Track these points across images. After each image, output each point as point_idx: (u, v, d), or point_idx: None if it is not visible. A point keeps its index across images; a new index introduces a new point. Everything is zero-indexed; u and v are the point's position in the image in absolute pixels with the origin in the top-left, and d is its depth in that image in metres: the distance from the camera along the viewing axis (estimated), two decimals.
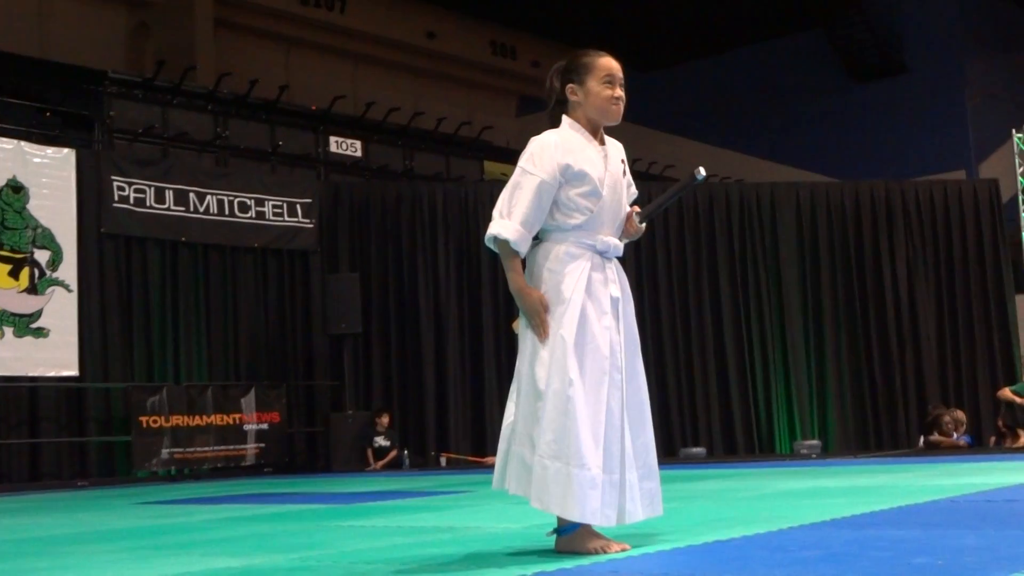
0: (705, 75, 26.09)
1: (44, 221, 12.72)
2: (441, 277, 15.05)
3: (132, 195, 13.57)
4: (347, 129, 17.30)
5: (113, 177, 13.44)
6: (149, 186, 13.73)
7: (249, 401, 13.65)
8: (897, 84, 23.44)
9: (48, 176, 12.83)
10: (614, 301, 3.87)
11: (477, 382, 14.76)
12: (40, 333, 12.49)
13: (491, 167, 18.82)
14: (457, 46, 25.43)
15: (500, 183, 17.49)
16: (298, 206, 14.93)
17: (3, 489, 11.66)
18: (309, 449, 14.88)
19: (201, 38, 20.66)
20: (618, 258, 4.00)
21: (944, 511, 4.89)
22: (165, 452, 12.82)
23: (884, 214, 15.85)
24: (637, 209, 4.10)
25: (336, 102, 17.48)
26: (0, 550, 5.34)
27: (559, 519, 3.79)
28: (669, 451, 14.87)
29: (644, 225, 4.11)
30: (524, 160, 3.87)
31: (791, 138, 24.31)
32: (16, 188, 12.53)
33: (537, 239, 3.88)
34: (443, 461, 14.13)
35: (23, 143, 12.82)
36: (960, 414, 13.57)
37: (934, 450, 12.64)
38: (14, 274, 12.41)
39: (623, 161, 4.03)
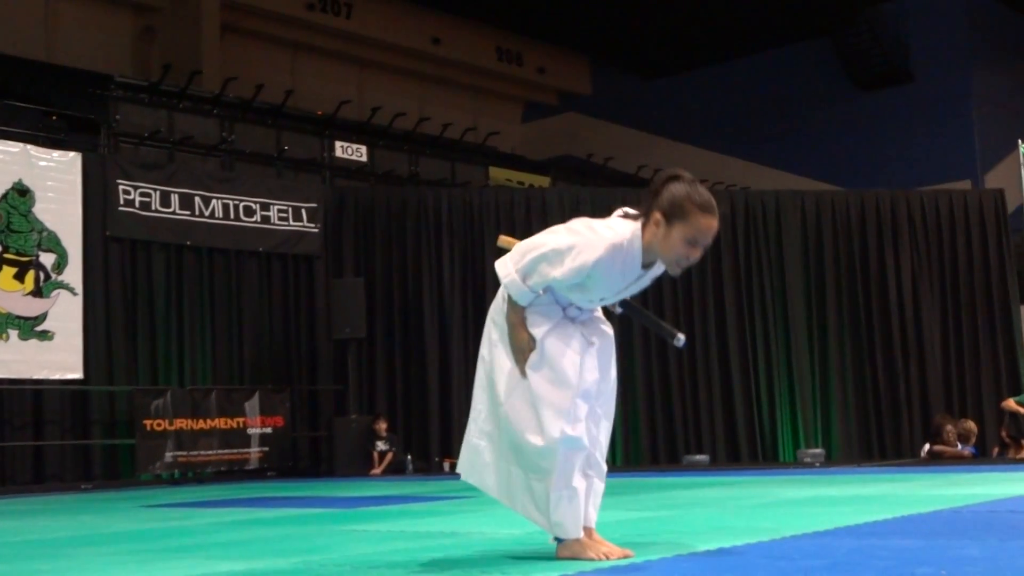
0: (711, 83, 26.09)
1: (50, 224, 12.74)
2: (445, 282, 15.07)
3: (137, 199, 13.59)
4: (352, 134, 17.33)
5: (119, 181, 13.46)
6: (155, 190, 13.75)
7: (253, 405, 13.66)
8: (903, 93, 23.44)
9: (54, 179, 12.85)
10: (587, 343, 3.87)
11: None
12: (45, 336, 12.51)
13: (496, 173, 18.83)
14: (463, 52, 25.45)
15: (505, 189, 17.58)
16: (303, 211, 14.95)
17: (7, 491, 11.67)
18: (312, 453, 14.89)
19: (207, 43, 20.69)
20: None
21: (947, 521, 4.88)
22: (169, 455, 12.82)
23: (889, 223, 15.84)
24: (626, 300, 4.03)
25: (342, 107, 17.50)
26: (3, 552, 5.35)
27: None
28: (672, 458, 14.88)
29: (618, 310, 4.05)
30: (568, 242, 3.70)
31: (797, 146, 24.31)
32: (22, 191, 12.56)
33: None
34: (446, 466, 14.13)
35: (29, 146, 12.85)
36: (970, 424, 13.53)
37: (937, 460, 12.62)
38: (19, 277, 12.43)
39: (653, 278, 3.91)
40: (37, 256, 12.60)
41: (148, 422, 12.72)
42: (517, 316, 3.82)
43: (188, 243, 14.01)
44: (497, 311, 3.97)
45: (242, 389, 13.88)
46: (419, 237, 15.23)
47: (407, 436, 14.62)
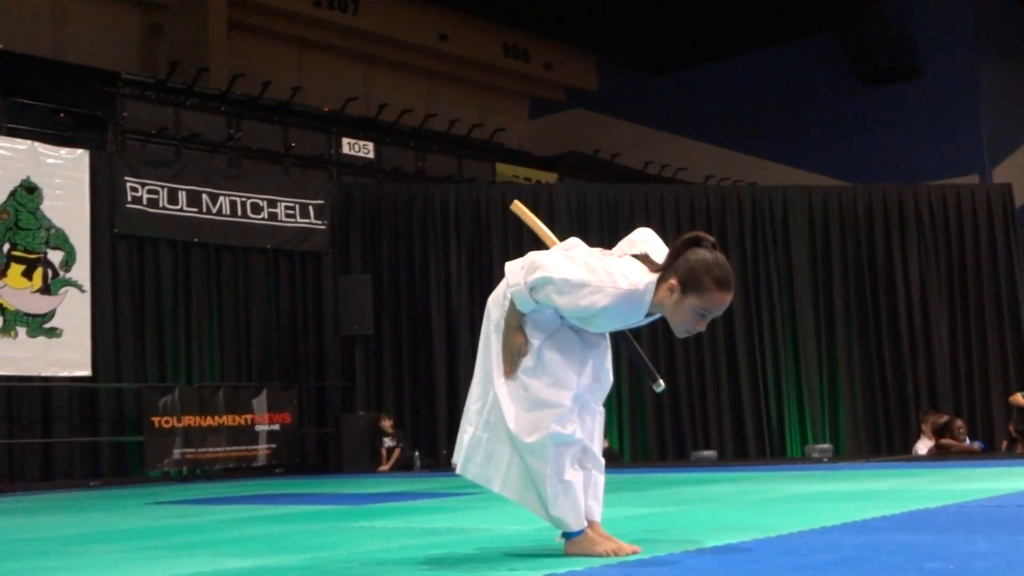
0: (717, 78, 26.06)
1: (57, 221, 12.76)
2: (453, 279, 15.08)
3: (145, 196, 13.61)
4: (359, 131, 17.33)
5: (126, 178, 13.48)
6: (162, 187, 13.77)
7: (261, 402, 13.68)
8: (910, 88, 23.39)
9: (62, 177, 12.87)
10: (582, 347, 3.86)
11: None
12: (53, 333, 12.53)
13: (503, 169, 18.82)
14: (469, 48, 25.44)
15: (512, 185, 17.57)
16: (310, 207, 14.96)
17: (16, 488, 11.70)
18: (320, 450, 14.91)
19: (214, 40, 20.70)
20: None
21: (956, 516, 4.87)
22: (177, 452, 12.84)
23: (897, 218, 15.83)
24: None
25: (348, 104, 17.51)
26: (12, 549, 5.36)
27: None
28: (680, 454, 14.88)
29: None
30: (583, 278, 3.62)
31: (803, 142, 24.28)
32: (30, 189, 12.58)
33: None
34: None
35: (37, 144, 12.87)
36: (945, 420, 13.50)
37: (945, 454, 12.60)
38: (28, 274, 12.45)
39: (652, 319, 3.86)
40: (45, 253, 12.63)
41: (156, 419, 12.75)
42: (516, 320, 3.80)
43: (196, 240, 14.03)
44: (496, 303, 3.95)
45: (250, 386, 13.90)
46: (426, 233, 15.23)
47: (415, 432, 14.64)
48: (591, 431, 3.88)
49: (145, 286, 13.66)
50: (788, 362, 15.45)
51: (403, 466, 13.87)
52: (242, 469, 13.42)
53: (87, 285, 12.91)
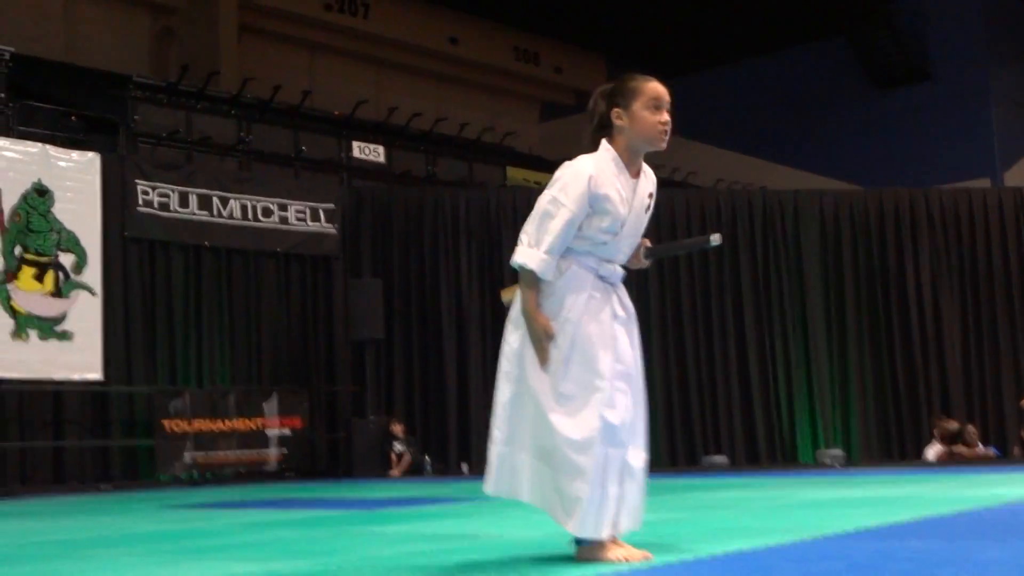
0: (728, 82, 26.03)
1: (69, 225, 12.78)
2: (463, 283, 15.07)
3: (156, 199, 13.63)
4: (370, 134, 17.34)
5: (137, 181, 13.50)
6: (173, 190, 13.79)
7: (272, 406, 13.68)
8: (921, 91, 23.35)
9: (73, 180, 12.89)
10: (617, 319, 3.89)
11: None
12: (65, 336, 12.55)
13: (514, 173, 18.82)
14: (480, 52, 25.46)
15: (523, 189, 17.56)
16: (321, 211, 14.97)
17: (27, 491, 11.71)
18: (331, 454, 14.90)
19: (225, 43, 20.74)
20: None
21: (969, 523, 4.86)
22: (188, 456, 12.85)
23: (908, 222, 15.78)
24: (648, 244, 4.13)
25: (359, 107, 17.53)
26: (23, 553, 5.37)
27: None
28: (691, 459, 14.85)
29: (649, 262, 4.13)
30: (556, 188, 3.81)
31: (814, 145, 24.24)
32: (41, 191, 12.60)
33: None
34: (464, 468, 14.14)
35: (48, 147, 12.89)
36: (953, 425, 13.47)
37: (958, 460, 12.57)
38: (39, 277, 12.47)
39: (651, 195, 4.02)
40: (56, 256, 12.65)
41: (167, 423, 12.76)
42: (532, 304, 3.77)
43: (206, 243, 14.04)
44: (515, 325, 3.91)
45: (261, 390, 13.90)
46: (437, 238, 15.23)
47: (425, 437, 14.62)
48: (632, 426, 3.83)
49: (156, 289, 13.67)
50: (799, 367, 15.41)
51: (414, 471, 13.87)
52: (253, 473, 13.42)
53: (98, 288, 12.93)
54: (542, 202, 3.81)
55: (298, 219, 14.79)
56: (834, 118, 24.29)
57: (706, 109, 25.91)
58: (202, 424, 13.00)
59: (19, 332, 12.21)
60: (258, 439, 13.51)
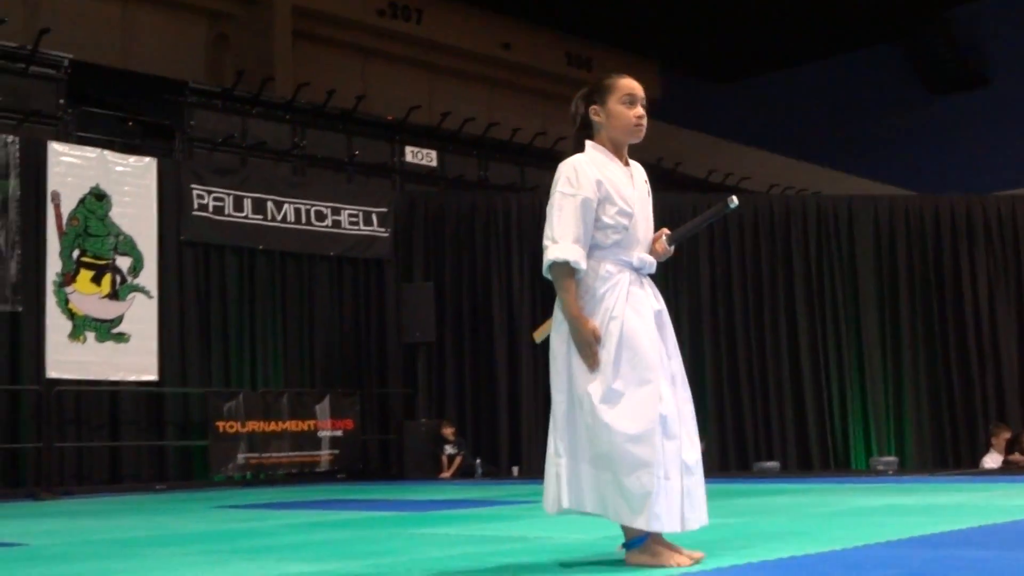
0: (782, 87, 25.90)
1: (126, 228, 12.95)
2: (515, 287, 15.09)
3: (211, 203, 13.77)
4: (423, 139, 17.41)
5: (193, 185, 13.65)
6: (228, 194, 13.92)
7: (324, 408, 13.77)
8: (978, 97, 23.12)
9: (130, 184, 13.06)
10: (656, 313, 3.93)
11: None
12: (121, 338, 12.70)
13: None
14: (532, 57, 25.48)
15: None
16: (374, 215, 15.05)
17: (85, 490, 11.87)
18: (382, 456, 14.98)
19: (280, 49, 20.91)
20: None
21: None
22: (241, 457, 12.96)
23: (964, 229, 15.60)
24: (667, 231, 4.19)
25: (412, 112, 17.60)
26: (83, 551, 5.45)
27: (626, 531, 3.80)
28: (743, 465, 14.77)
29: (673, 248, 4.19)
30: (560, 184, 3.96)
31: (869, 151, 24.05)
32: (99, 196, 12.77)
33: None
34: (515, 471, 14.15)
35: (106, 152, 13.06)
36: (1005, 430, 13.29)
37: (1015, 469, 12.40)
38: (96, 280, 12.64)
39: (646, 182, 4.18)
40: (114, 260, 12.81)
41: (221, 424, 12.88)
42: (573, 306, 3.81)
43: (260, 247, 14.17)
44: (558, 322, 3.93)
45: (313, 392, 14.00)
46: (488, 242, 15.26)
47: (476, 440, 14.65)
48: (680, 410, 3.84)
49: (211, 292, 13.81)
50: (853, 372, 15.28)
51: (464, 473, 13.90)
52: (304, 475, 13.52)
53: (154, 291, 13.08)
54: (552, 202, 3.95)
55: (351, 223, 14.89)
56: (889, 123, 24.10)
57: (760, 114, 25.82)
58: (255, 425, 13.11)
59: (77, 334, 12.38)
60: (310, 441, 13.61)
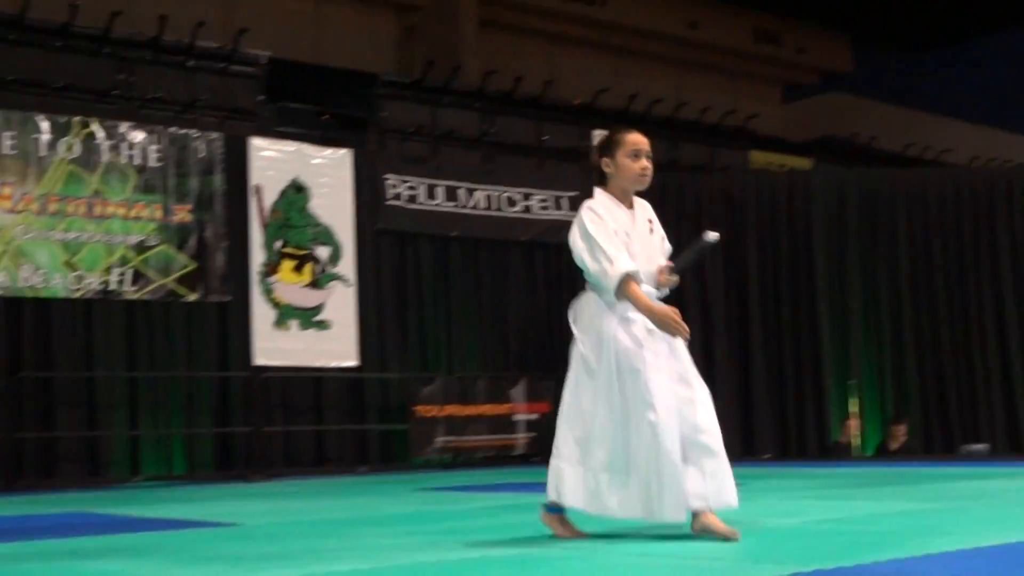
0: (980, 55, 24.92)
1: (324, 219, 13.33)
2: (707, 270, 14.92)
3: (405, 192, 14.05)
4: (611, 122, 17.26)
5: (386, 176, 13.95)
6: (421, 183, 14.18)
7: (519, 392, 13.91)
8: None
9: (326, 176, 13.44)
10: (652, 335, 4.39)
11: (743, 376, 14.60)
12: (323, 326, 13.09)
13: (757, 156, 18.51)
14: (719, 35, 25.15)
15: (766, 173, 17.22)
16: (564, 199, 15.10)
17: (292, 473, 12.29)
18: None
19: (467, 38, 21.17)
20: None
21: None
22: (439, 440, 13.20)
23: None
24: (669, 264, 4.70)
25: (599, 96, 17.58)
26: (288, 531, 5.65)
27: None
28: (947, 447, 14.29)
29: (676, 278, 4.68)
30: (587, 221, 4.47)
31: None
32: (299, 188, 13.19)
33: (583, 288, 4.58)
34: None
35: (303, 145, 13.47)
36: None
37: None
38: (298, 270, 13.07)
39: (650, 220, 4.71)
40: (313, 250, 13.21)
41: (419, 408, 13.14)
42: (642, 302, 4.35)
43: (454, 234, 14.39)
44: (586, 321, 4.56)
45: (508, 376, 14.15)
46: (679, 223, 15.10)
47: None
48: (694, 423, 4.30)
49: (407, 279, 14.10)
50: None
51: None
52: (501, 457, 13.68)
53: (352, 279, 13.43)
54: (579, 242, 4.48)
55: (541, 208, 14.98)
56: None
57: (958, 83, 24.89)
58: (453, 409, 13.33)
59: (281, 322, 12.82)
60: (506, 424, 13.76)
